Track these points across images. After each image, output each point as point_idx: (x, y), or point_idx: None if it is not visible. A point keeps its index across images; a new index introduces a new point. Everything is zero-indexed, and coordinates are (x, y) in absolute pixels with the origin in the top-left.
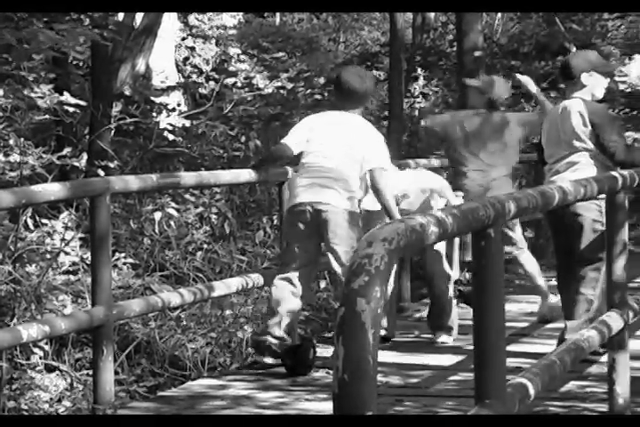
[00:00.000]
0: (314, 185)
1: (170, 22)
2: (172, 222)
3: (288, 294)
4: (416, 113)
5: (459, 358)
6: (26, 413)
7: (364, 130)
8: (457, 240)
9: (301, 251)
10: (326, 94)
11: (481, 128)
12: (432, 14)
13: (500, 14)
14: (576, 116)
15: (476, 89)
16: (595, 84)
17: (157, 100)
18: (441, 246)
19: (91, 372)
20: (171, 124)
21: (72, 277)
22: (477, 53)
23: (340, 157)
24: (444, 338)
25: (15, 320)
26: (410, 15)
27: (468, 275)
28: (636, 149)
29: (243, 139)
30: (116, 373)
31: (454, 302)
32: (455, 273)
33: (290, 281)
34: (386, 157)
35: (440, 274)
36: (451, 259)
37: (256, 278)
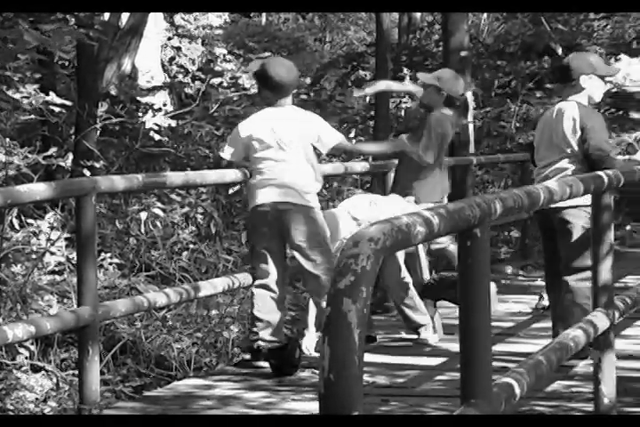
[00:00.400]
0: (271, 186)
1: (156, 22)
2: (157, 222)
3: (269, 301)
4: (402, 113)
5: (445, 357)
6: (11, 413)
7: (305, 118)
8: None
9: (269, 252)
10: (312, 94)
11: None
12: (418, 14)
13: (485, 14)
14: (568, 121)
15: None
16: (593, 88)
17: (143, 99)
18: (400, 255)
19: (76, 372)
20: (157, 124)
21: (58, 278)
22: (463, 53)
23: (290, 154)
24: (423, 335)
25: (0, 320)
26: (396, 15)
27: (436, 275)
28: (617, 161)
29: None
30: (102, 373)
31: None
32: (425, 275)
33: (267, 287)
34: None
35: (398, 284)
36: (420, 262)
37: (242, 278)
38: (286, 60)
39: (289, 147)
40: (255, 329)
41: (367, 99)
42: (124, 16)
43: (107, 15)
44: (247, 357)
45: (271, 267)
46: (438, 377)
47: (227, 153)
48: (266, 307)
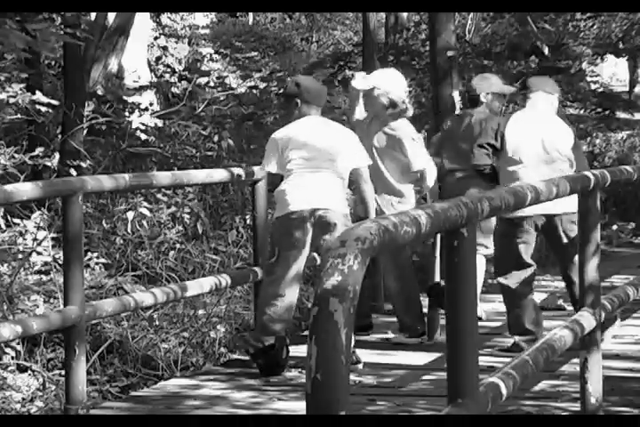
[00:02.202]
0: (307, 193)
1: (142, 22)
2: (144, 222)
3: (284, 311)
4: None
5: (432, 357)
6: (0, 411)
7: (339, 127)
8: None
9: (294, 259)
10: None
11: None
12: (405, 14)
13: (472, 14)
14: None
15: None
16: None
17: (130, 99)
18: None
19: (63, 372)
20: (143, 124)
21: (44, 277)
22: (450, 53)
23: (325, 164)
24: (404, 338)
25: None
26: (382, 15)
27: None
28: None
29: (216, 138)
30: (89, 373)
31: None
32: (437, 277)
33: (282, 296)
34: (365, 154)
35: (395, 290)
36: (435, 262)
37: (229, 278)
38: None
39: (324, 159)
40: (260, 337)
41: None
42: (111, 16)
43: (93, 15)
44: (236, 356)
45: (292, 272)
46: (425, 377)
47: (272, 166)
48: (280, 318)
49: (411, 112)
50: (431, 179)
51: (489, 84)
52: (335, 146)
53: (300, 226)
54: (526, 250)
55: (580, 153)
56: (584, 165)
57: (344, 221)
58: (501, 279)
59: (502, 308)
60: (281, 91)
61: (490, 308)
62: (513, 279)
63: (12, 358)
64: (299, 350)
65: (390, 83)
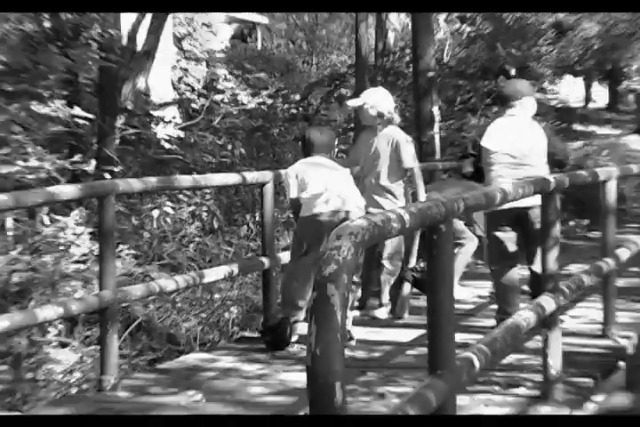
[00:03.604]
0: (328, 201)
1: (167, 46)
2: (168, 219)
3: (307, 291)
4: None
5: (415, 334)
6: (42, 383)
7: (338, 167)
8: (417, 233)
9: (313, 251)
10: (301, 109)
11: None
12: (391, 40)
13: (449, 40)
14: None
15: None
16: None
17: (155, 113)
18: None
19: (98, 347)
20: (167, 135)
21: (82, 266)
22: (430, 74)
23: (335, 182)
24: (377, 313)
25: (33, 303)
26: (372, 41)
27: (423, 263)
28: None
29: (229, 147)
30: (120, 348)
31: (408, 285)
32: (412, 261)
33: (310, 279)
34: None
35: (393, 262)
36: (411, 249)
37: (240, 267)
38: (323, 128)
39: (332, 184)
40: (290, 313)
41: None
42: (140, 41)
43: (125, 40)
44: (247, 334)
45: (308, 262)
46: (409, 352)
47: (294, 194)
48: (306, 293)
49: (397, 120)
50: (419, 176)
51: None
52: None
53: (322, 225)
54: (509, 240)
55: (562, 149)
56: (565, 158)
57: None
58: (491, 266)
59: (476, 292)
60: (299, 139)
61: (473, 291)
62: (499, 266)
63: (55, 335)
64: (300, 329)
65: (376, 98)
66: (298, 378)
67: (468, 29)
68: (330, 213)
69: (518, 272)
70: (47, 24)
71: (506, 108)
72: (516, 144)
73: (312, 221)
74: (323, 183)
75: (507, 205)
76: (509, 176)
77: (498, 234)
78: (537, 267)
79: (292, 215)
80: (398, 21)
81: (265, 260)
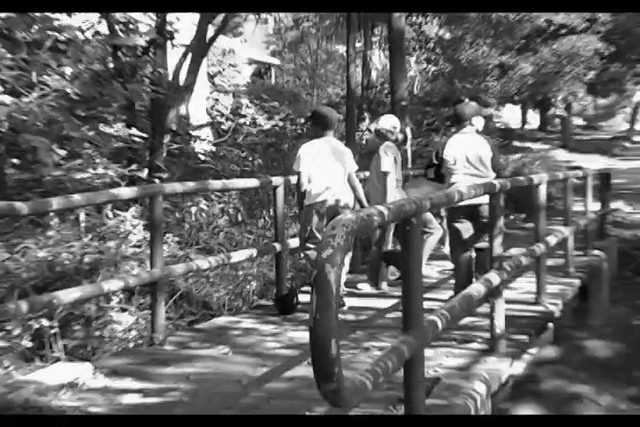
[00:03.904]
0: (324, 190)
1: (202, 82)
2: (203, 213)
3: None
4: (364, 142)
5: (392, 302)
6: (107, 339)
7: (342, 146)
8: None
9: (319, 232)
10: (305, 130)
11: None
12: (374, 77)
13: (418, 77)
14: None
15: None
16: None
17: (194, 133)
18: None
19: (149, 312)
20: (202, 149)
21: (137, 250)
22: (403, 103)
23: (337, 170)
24: (362, 286)
25: (100, 278)
26: (359, 78)
27: (397, 247)
28: None
29: (250, 159)
30: (166, 312)
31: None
32: (388, 246)
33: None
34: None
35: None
36: (386, 237)
37: (258, 250)
38: (330, 107)
39: (333, 165)
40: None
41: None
42: (182, 78)
43: (170, 77)
44: (263, 302)
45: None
46: (388, 315)
47: (302, 169)
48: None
49: (393, 138)
50: (391, 180)
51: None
52: (340, 156)
53: (321, 212)
54: (465, 230)
55: (498, 160)
56: (500, 167)
57: (348, 209)
58: (451, 250)
59: (439, 268)
60: (309, 115)
61: (431, 269)
62: (457, 250)
63: (117, 302)
64: (305, 298)
65: (381, 121)
66: (302, 335)
67: (433, 68)
68: (327, 202)
69: (471, 255)
70: (111, 65)
71: (460, 126)
72: (468, 155)
73: (314, 208)
74: (325, 178)
75: (463, 203)
76: (464, 180)
77: (456, 225)
78: (480, 244)
79: (294, 198)
80: (379, 62)
81: (277, 245)
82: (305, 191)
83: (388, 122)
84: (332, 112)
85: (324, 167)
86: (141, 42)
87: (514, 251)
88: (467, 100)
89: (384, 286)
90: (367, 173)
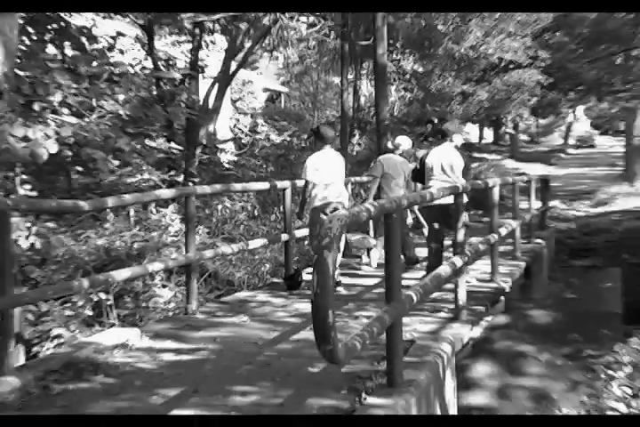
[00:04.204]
0: (327, 194)
1: (227, 105)
2: (227, 210)
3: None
4: (354, 153)
5: (377, 280)
6: (151, 309)
7: (341, 157)
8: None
9: None
10: (308, 143)
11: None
12: (363, 102)
13: (397, 102)
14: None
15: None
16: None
17: (220, 146)
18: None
19: (184, 288)
20: (227, 159)
21: (175, 239)
22: (386, 122)
23: (337, 176)
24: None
25: (146, 261)
26: (351, 102)
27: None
28: None
29: (264, 166)
30: (198, 288)
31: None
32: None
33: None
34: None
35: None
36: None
37: (271, 239)
38: (328, 126)
39: (337, 173)
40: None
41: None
42: (210, 102)
43: (201, 102)
44: (275, 280)
45: None
46: (374, 290)
47: (309, 176)
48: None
49: (398, 152)
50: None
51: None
52: (341, 165)
53: (325, 210)
54: (438, 225)
55: (468, 169)
56: (469, 176)
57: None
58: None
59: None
60: (311, 131)
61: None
62: (430, 240)
63: (159, 280)
64: (307, 277)
65: (399, 139)
66: (306, 307)
67: (409, 95)
68: (332, 203)
69: (442, 244)
70: (155, 92)
71: (443, 140)
72: (443, 164)
73: (321, 209)
74: (327, 185)
75: (436, 202)
76: (437, 185)
77: (433, 222)
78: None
79: (299, 198)
80: (367, 90)
81: (285, 235)
82: (310, 196)
83: (399, 141)
84: (330, 129)
85: (327, 175)
86: (178, 75)
87: (473, 240)
88: (436, 120)
89: (374, 265)
90: (358, 178)
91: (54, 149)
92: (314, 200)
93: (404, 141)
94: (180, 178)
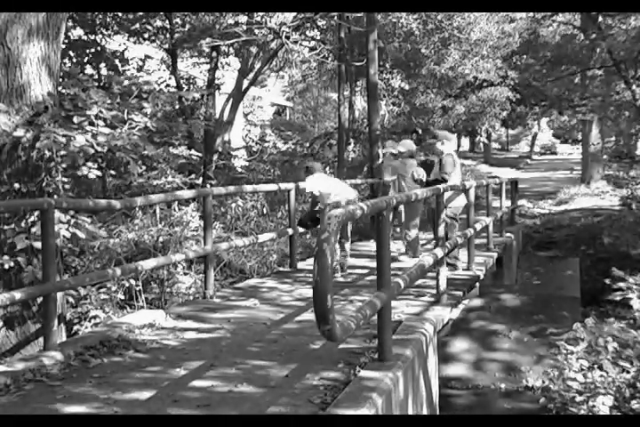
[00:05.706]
0: (333, 197)
1: (239, 118)
2: (239, 208)
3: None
4: (350, 160)
5: (369, 269)
6: (175, 294)
7: (330, 176)
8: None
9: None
10: (310, 150)
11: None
12: (357, 114)
13: (387, 114)
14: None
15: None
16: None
17: (233, 153)
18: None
19: (203, 276)
20: (240, 164)
21: (195, 233)
22: (377, 132)
23: (333, 185)
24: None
25: (169, 252)
26: (347, 115)
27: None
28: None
29: (272, 171)
30: (215, 276)
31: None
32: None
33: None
34: None
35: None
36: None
37: (278, 233)
38: (316, 161)
39: (334, 187)
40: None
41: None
42: (225, 115)
43: (217, 115)
44: (282, 269)
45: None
46: (367, 278)
47: (310, 188)
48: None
49: (405, 155)
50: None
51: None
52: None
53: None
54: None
55: (458, 171)
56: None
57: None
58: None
59: (397, 246)
60: (306, 167)
61: (394, 248)
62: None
63: (181, 268)
64: (309, 267)
65: (399, 145)
66: (308, 292)
67: (397, 109)
68: (334, 203)
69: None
70: (177, 107)
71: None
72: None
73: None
74: (330, 188)
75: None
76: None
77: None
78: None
79: (305, 205)
80: (360, 105)
81: (290, 230)
82: (315, 202)
83: (403, 145)
84: (317, 163)
85: (329, 183)
86: (197, 95)
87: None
88: (420, 131)
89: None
90: (352, 180)
91: (91, 151)
92: (321, 201)
93: (406, 145)
94: (199, 180)
